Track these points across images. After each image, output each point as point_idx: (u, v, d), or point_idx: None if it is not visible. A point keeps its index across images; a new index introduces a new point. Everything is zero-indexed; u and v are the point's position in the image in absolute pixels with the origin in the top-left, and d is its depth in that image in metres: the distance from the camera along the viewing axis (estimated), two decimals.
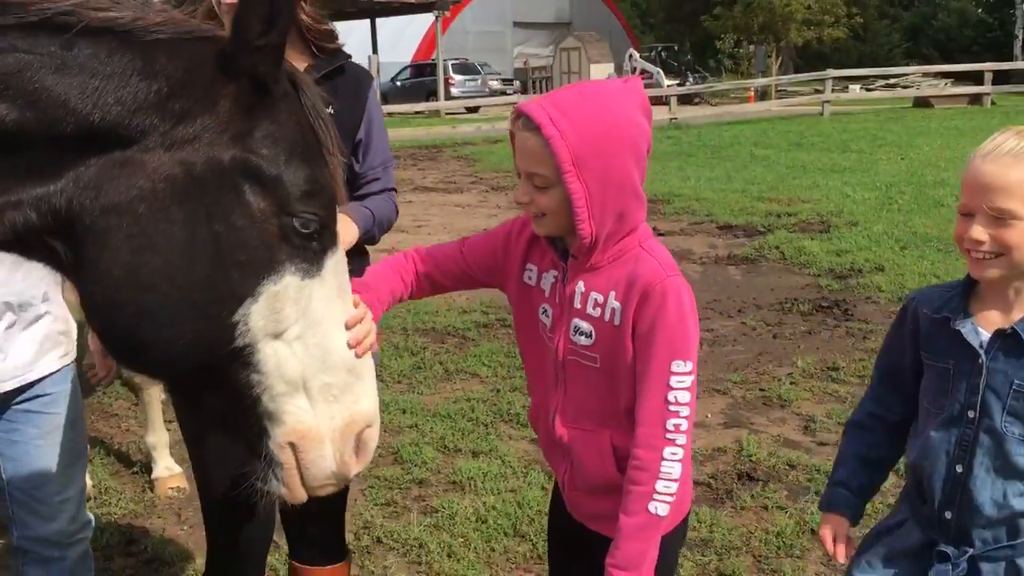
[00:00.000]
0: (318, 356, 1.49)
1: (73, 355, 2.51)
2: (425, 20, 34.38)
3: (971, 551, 1.82)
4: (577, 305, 1.86)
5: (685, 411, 1.79)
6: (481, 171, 16.11)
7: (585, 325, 1.85)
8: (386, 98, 34.45)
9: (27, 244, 1.37)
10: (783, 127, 21.62)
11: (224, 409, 1.52)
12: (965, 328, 1.83)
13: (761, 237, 9.40)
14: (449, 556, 3.47)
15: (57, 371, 2.43)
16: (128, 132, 1.32)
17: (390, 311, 2.02)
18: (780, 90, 34.86)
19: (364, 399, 1.58)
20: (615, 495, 1.85)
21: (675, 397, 1.78)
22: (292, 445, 1.51)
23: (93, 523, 2.63)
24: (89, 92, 1.29)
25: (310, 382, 1.49)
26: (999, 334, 1.80)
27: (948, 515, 1.84)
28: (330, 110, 1.60)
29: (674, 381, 1.78)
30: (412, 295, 2.04)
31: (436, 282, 2.04)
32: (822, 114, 23.62)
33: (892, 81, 32.69)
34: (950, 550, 1.83)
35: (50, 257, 1.39)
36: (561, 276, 1.90)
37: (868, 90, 31.93)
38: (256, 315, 1.40)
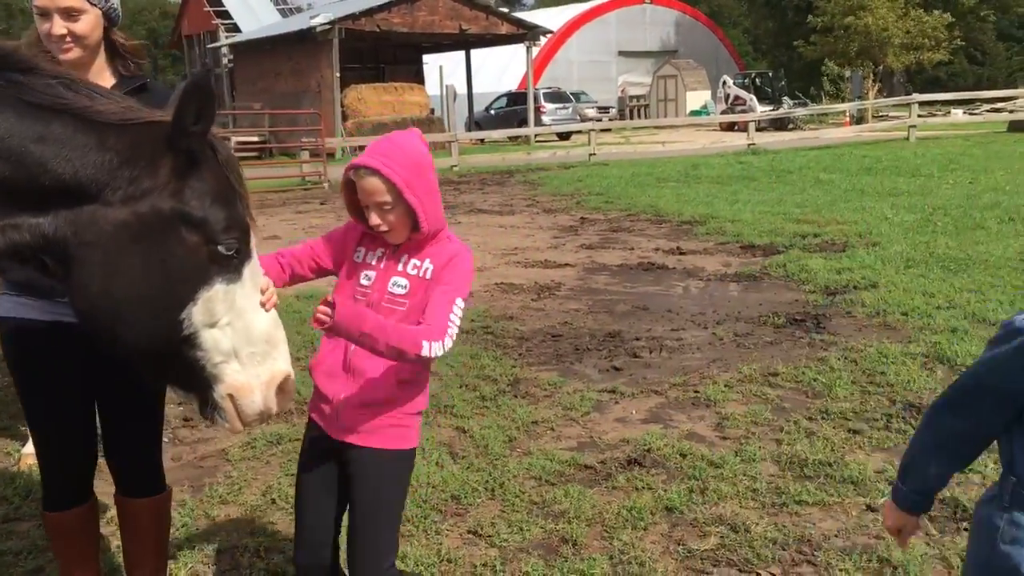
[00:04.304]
0: (243, 335, 2.09)
1: None
2: (532, 51, 35.20)
3: None
4: (400, 268, 2.57)
5: (455, 330, 2.47)
6: (540, 195, 16.59)
7: (403, 280, 2.56)
8: (479, 125, 35.41)
9: (24, 257, 1.96)
10: (862, 152, 21.33)
11: (180, 375, 2.11)
12: None
13: (776, 256, 9.56)
14: None
15: None
16: (92, 189, 1.91)
17: None
18: (881, 115, 34.17)
19: (280, 360, 2.19)
20: (379, 409, 2.53)
21: (454, 319, 2.47)
22: (231, 396, 2.12)
23: None
24: (61, 158, 1.88)
25: (240, 352, 2.09)
26: None
27: None
28: None
29: (455, 309, 2.48)
30: (285, 284, 2.69)
31: (296, 274, 2.72)
32: (908, 139, 23.15)
33: (998, 105, 31.61)
34: None
35: (43, 268, 2.00)
36: (389, 251, 2.60)
37: (972, 114, 30.97)
38: (196, 313, 2.00)
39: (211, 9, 42.84)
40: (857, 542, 3.67)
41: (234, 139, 27.38)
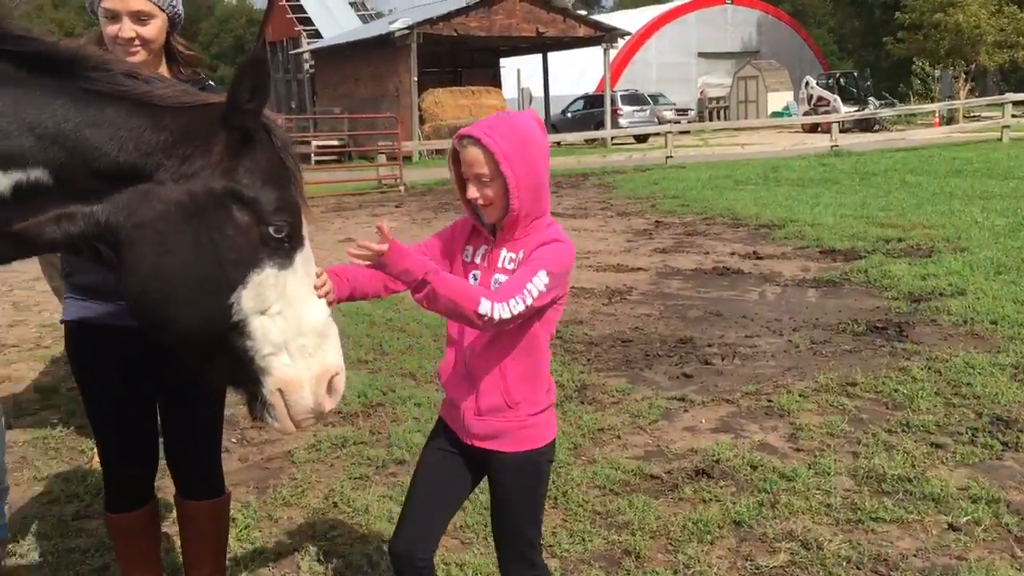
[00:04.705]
0: (294, 325, 2.02)
1: None
2: (610, 53, 34.93)
3: None
4: (499, 265, 2.50)
5: (529, 300, 2.35)
6: (614, 198, 16.45)
7: (503, 277, 2.48)
8: (556, 128, 35.35)
9: (78, 246, 1.95)
10: (952, 154, 20.57)
11: (229, 368, 2.05)
12: None
13: (858, 261, 9.25)
14: (389, 521, 3.93)
15: None
16: (146, 169, 1.89)
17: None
18: (972, 115, 32.98)
19: (332, 354, 2.12)
20: (500, 415, 2.51)
21: (530, 288, 2.36)
22: (280, 391, 2.05)
23: None
24: (116, 140, 1.87)
25: (290, 344, 2.03)
26: None
27: None
28: None
29: (535, 279, 2.38)
30: (389, 290, 2.57)
31: None
32: (1001, 140, 22.27)
33: None
34: None
35: (97, 257, 1.98)
36: (490, 246, 2.54)
37: None
38: (246, 298, 1.94)
39: (294, 16, 43.74)
40: (937, 563, 3.49)
41: (314, 143, 27.93)
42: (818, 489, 4.13)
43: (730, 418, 5.16)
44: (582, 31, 33.34)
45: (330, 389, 2.13)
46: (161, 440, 2.97)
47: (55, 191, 1.83)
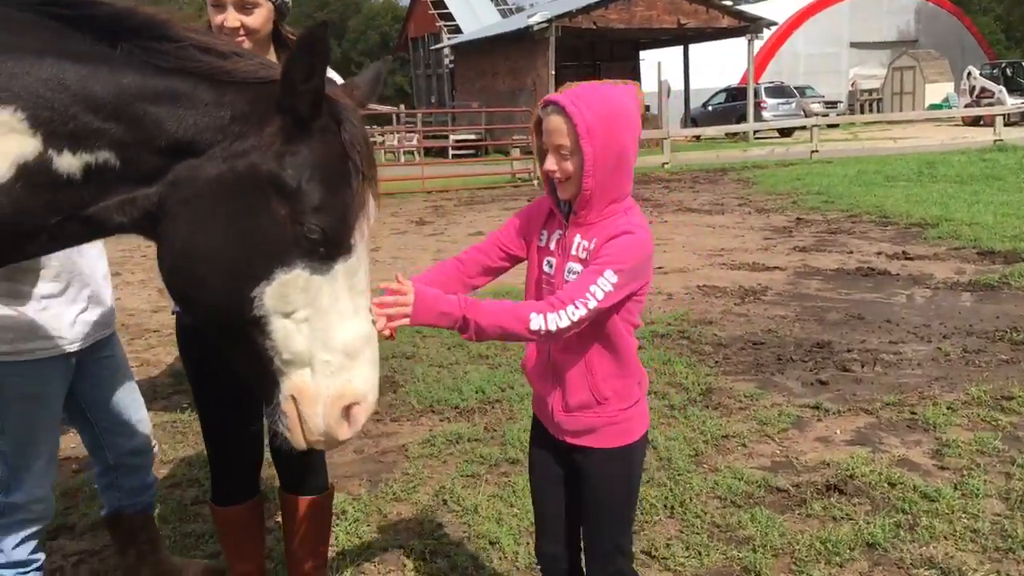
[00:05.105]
0: (321, 338, 1.86)
1: None
2: (755, 44, 33.78)
3: None
4: (572, 252, 2.36)
5: (593, 303, 2.20)
6: (753, 193, 15.86)
7: (577, 266, 2.34)
8: (695, 122, 34.55)
9: (144, 228, 1.90)
10: None
11: (251, 362, 1.92)
12: None
13: (1019, 264, 8.55)
14: (498, 522, 3.82)
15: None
16: (200, 145, 1.82)
17: None
18: None
19: (357, 380, 1.91)
20: (590, 411, 2.41)
21: (594, 290, 2.20)
22: (293, 399, 1.90)
23: None
24: (177, 118, 1.80)
25: (313, 357, 1.87)
26: None
27: None
28: None
29: (600, 281, 2.21)
30: (469, 286, 2.51)
31: (489, 267, 2.54)
32: None
33: None
34: None
35: (156, 236, 1.92)
36: (564, 231, 2.40)
37: None
38: (269, 295, 1.81)
39: (435, 12, 44.47)
40: None
41: (452, 137, 28.25)
42: (964, 512, 3.78)
43: (868, 430, 4.80)
44: (725, 22, 32.39)
45: (347, 416, 1.92)
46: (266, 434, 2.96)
47: (120, 171, 1.77)
